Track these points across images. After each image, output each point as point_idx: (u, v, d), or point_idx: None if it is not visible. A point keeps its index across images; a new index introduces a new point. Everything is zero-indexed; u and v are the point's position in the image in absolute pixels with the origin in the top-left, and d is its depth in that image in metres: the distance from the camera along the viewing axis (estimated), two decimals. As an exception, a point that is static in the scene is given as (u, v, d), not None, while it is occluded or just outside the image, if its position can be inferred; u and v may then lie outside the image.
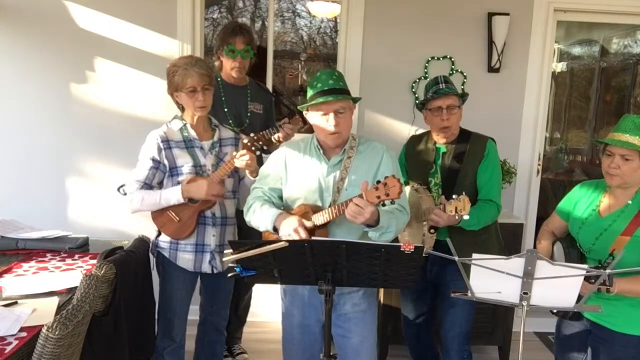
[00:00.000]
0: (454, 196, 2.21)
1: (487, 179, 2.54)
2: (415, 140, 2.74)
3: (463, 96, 2.59)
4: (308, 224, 2.04)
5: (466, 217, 2.20)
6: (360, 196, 1.92)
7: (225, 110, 2.91)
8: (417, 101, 2.61)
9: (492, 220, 2.56)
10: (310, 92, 2.11)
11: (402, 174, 2.67)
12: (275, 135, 2.78)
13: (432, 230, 2.39)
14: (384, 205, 1.99)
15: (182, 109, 2.46)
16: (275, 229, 2.10)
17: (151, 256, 2.52)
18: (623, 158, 1.99)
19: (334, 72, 2.14)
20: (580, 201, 2.22)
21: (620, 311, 2.04)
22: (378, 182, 1.92)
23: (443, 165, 2.58)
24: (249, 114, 2.98)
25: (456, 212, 2.18)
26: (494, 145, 2.60)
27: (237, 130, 2.64)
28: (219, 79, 2.94)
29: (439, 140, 2.60)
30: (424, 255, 2.32)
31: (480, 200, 2.54)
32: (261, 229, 2.18)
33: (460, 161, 2.55)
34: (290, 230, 2.02)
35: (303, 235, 2.00)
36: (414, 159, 2.68)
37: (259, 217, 2.14)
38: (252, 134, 2.41)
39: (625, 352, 2.05)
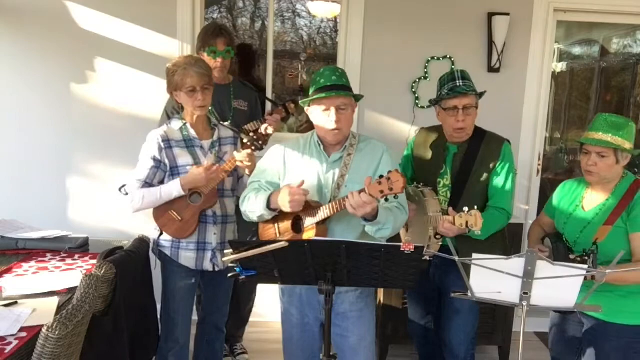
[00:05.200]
0: (464, 209, 2.10)
1: (501, 185, 2.40)
2: (425, 134, 2.57)
3: (481, 95, 2.41)
4: (297, 182, 2.03)
5: (478, 232, 2.11)
6: (363, 190, 1.92)
7: (210, 107, 2.93)
8: (434, 99, 2.45)
9: (501, 229, 2.44)
10: (312, 88, 2.12)
11: (408, 168, 2.62)
12: (263, 128, 2.79)
13: (437, 236, 2.28)
14: (386, 200, 1.99)
15: (182, 108, 2.47)
16: (270, 208, 2.09)
17: (152, 256, 2.52)
18: (599, 155, 2.11)
19: (337, 68, 2.15)
20: (565, 198, 2.33)
21: (611, 302, 2.10)
22: (381, 176, 1.92)
23: (454, 166, 2.43)
24: (232, 111, 3.00)
25: (467, 226, 2.10)
26: (510, 149, 2.44)
27: (237, 130, 2.64)
28: None
29: (451, 139, 2.44)
30: (428, 258, 2.34)
31: (491, 207, 2.41)
32: (256, 215, 2.15)
33: (472, 163, 2.39)
34: (289, 197, 2.00)
35: (301, 196, 1.99)
36: (422, 156, 2.53)
37: (254, 202, 2.14)
38: (246, 127, 2.41)
39: (618, 342, 2.13)
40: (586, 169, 2.16)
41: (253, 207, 2.15)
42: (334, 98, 2.05)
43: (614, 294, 2.11)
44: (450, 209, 2.22)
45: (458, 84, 2.33)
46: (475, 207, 2.10)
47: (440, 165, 2.45)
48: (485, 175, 2.40)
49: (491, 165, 2.40)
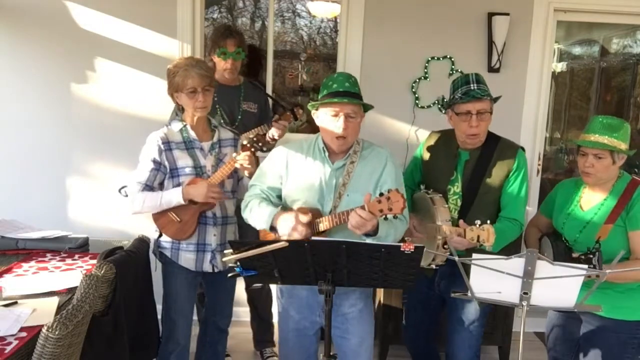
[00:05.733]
0: (477, 222, 2.01)
1: (514, 195, 2.30)
2: (436, 138, 2.48)
3: (496, 99, 2.32)
4: (304, 218, 2.02)
5: (489, 248, 2.03)
6: (363, 207, 1.91)
7: (217, 107, 2.92)
8: (443, 102, 2.35)
9: (512, 240, 2.33)
10: (324, 92, 2.10)
11: (416, 172, 2.56)
12: (270, 133, 2.79)
13: (445, 246, 2.18)
14: (385, 218, 1.98)
15: (182, 110, 2.46)
16: (272, 228, 2.10)
17: (152, 256, 2.52)
18: (596, 157, 2.13)
19: (350, 75, 2.14)
20: (562, 198, 2.34)
21: (610, 299, 2.13)
22: (381, 194, 1.91)
23: (465, 173, 2.33)
24: (240, 113, 2.99)
25: (478, 241, 2.01)
26: (524, 156, 2.36)
27: (237, 132, 2.64)
28: None
29: (463, 145, 2.35)
30: (434, 267, 2.31)
31: (503, 218, 2.32)
32: (258, 228, 2.18)
33: (484, 171, 2.30)
34: (289, 230, 2.02)
35: (302, 231, 2.00)
36: (432, 161, 2.44)
37: (256, 215, 2.14)
38: (247, 134, 2.40)
39: (616, 338, 2.16)
40: (583, 170, 2.18)
41: (255, 220, 2.16)
42: (345, 104, 2.04)
43: (613, 291, 2.14)
44: (461, 221, 2.13)
45: (472, 88, 2.24)
46: (488, 222, 2.01)
47: (451, 171, 2.36)
48: (497, 183, 2.31)
49: (504, 174, 2.31)
